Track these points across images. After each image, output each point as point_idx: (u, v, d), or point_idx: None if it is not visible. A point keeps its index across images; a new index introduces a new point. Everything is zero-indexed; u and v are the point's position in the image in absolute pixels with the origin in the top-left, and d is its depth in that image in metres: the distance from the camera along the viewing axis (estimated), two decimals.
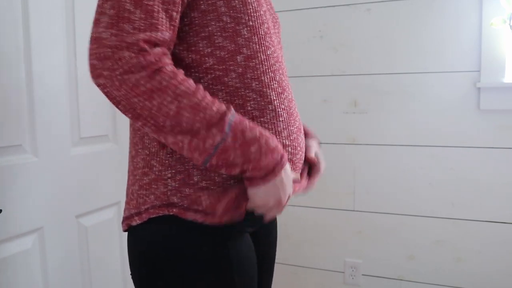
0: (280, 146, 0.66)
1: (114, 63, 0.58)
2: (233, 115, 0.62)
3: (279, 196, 0.66)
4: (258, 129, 0.64)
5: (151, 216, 0.68)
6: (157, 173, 0.69)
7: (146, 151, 0.71)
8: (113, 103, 0.62)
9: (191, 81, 0.62)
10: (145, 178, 0.70)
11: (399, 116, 1.67)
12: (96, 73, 0.60)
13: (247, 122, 0.63)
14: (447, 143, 1.62)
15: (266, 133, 0.65)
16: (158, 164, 0.69)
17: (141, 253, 0.71)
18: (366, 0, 1.68)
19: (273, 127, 0.71)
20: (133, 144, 0.75)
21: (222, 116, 0.61)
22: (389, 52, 1.67)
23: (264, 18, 0.71)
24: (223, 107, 0.62)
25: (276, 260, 1.90)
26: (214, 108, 0.61)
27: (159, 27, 0.60)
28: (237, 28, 0.68)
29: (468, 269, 1.62)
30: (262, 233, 0.86)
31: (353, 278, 1.78)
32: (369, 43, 1.69)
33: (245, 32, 0.68)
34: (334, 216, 1.80)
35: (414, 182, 1.67)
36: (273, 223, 0.92)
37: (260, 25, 0.70)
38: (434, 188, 1.65)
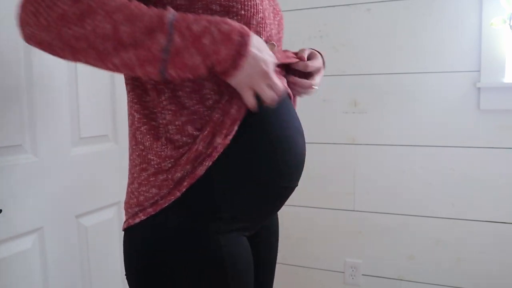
0: (236, 24, 0.60)
1: (36, 5, 0.55)
2: (173, 14, 0.57)
3: (261, 70, 0.62)
4: (205, 19, 0.58)
5: (163, 207, 0.66)
6: (156, 166, 0.67)
7: (140, 146, 0.70)
8: (48, 50, 0.58)
9: None
10: (143, 174, 0.69)
11: (399, 116, 1.67)
12: (22, 25, 0.57)
13: (191, 16, 0.58)
14: (447, 143, 1.62)
15: (216, 18, 0.59)
16: (155, 157, 0.67)
17: (147, 251, 0.68)
18: (366, 0, 1.68)
19: None
20: (129, 143, 0.74)
21: (161, 17, 0.56)
22: (389, 52, 1.67)
23: (260, 7, 0.69)
24: (161, 10, 0.58)
25: (276, 260, 1.90)
26: (151, 13, 0.57)
27: None
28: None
29: (468, 269, 1.62)
30: (263, 234, 0.85)
31: (353, 278, 1.78)
32: (369, 43, 1.69)
33: (218, 8, 0.65)
34: (334, 216, 1.80)
35: (414, 182, 1.67)
36: (274, 224, 0.90)
37: (254, 15, 0.68)
38: (434, 188, 1.65)
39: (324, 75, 1.75)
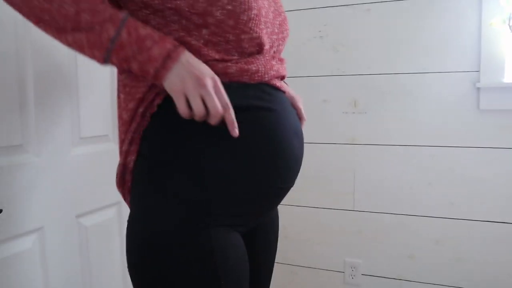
0: (174, 41, 0.66)
1: None
2: (127, 15, 0.65)
3: (193, 74, 0.64)
4: (151, 29, 0.65)
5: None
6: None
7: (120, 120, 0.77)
8: (18, 11, 0.65)
9: None
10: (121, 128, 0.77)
11: (399, 116, 1.67)
12: None
13: (141, 23, 0.65)
14: (447, 143, 1.62)
15: (161, 33, 0.66)
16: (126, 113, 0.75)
17: (142, 243, 0.70)
18: (366, 0, 1.68)
19: None
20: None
21: (116, 13, 0.64)
22: (389, 52, 1.67)
23: (253, 4, 0.69)
24: (119, 10, 0.65)
25: (276, 260, 1.91)
26: (111, 11, 0.64)
27: None
28: (209, 8, 0.66)
29: (468, 269, 1.63)
30: (261, 231, 0.85)
31: (353, 278, 1.78)
32: (369, 43, 1.69)
33: (218, 14, 0.67)
34: (334, 216, 1.80)
35: (414, 182, 1.67)
36: (273, 222, 0.90)
37: (245, 11, 0.68)
38: (434, 188, 1.65)
39: (324, 75, 1.77)
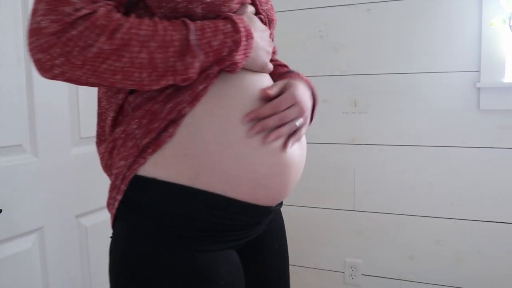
0: (242, 29, 0.64)
1: (64, 46, 0.54)
2: (194, 33, 0.60)
3: (265, 50, 0.71)
4: (221, 31, 0.62)
5: (130, 178, 0.64)
6: (125, 136, 0.67)
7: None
8: (80, 83, 0.59)
9: (146, 20, 0.60)
10: (114, 152, 0.70)
11: (399, 116, 1.67)
12: (47, 67, 0.55)
13: (208, 31, 0.62)
14: (447, 143, 1.62)
15: (226, 27, 0.63)
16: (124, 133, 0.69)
17: (123, 264, 0.66)
18: (366, 0, 1.68)
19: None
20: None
21: (187, 40, 0.60)
22: (389, 52, 1.67)
23: None
24: (183, 30, 0.60)
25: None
26: (179, 36, 0.60)
27: (99, 2, 0.58)
28: (190, 6, 0.64)
29: (468, 269, 1.62)
30: (266, 240, 0.80)
31: (353, 278, 1.78)
32: (369, 43, 1.69)
33: (199, 10, 0.65)
34: (334, 216, 1.80)
35: (414, 182, 1.67)
36: (275, 229, 0.84)
37: (223, 3, 0.65)
38: (434, 188, 1.65)
39: (324, 75, 1.77)
